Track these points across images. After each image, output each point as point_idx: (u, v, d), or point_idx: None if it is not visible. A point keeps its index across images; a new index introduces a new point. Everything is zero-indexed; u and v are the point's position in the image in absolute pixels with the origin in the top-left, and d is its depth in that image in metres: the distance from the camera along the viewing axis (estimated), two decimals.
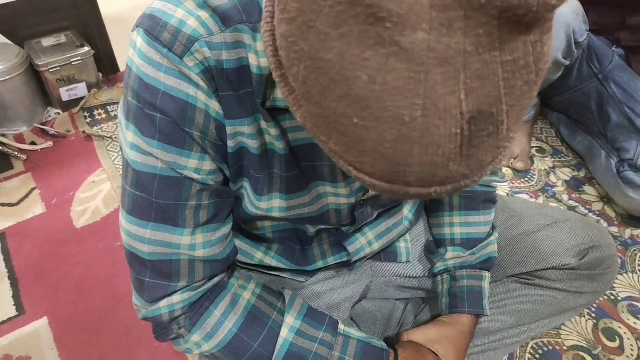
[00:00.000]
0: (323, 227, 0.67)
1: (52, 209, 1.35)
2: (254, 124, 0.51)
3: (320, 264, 0.71)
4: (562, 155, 1.49)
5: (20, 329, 1.06)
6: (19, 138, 1.58)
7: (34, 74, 1.63)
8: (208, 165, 0.51)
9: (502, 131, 0.32)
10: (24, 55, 1.58)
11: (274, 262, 0.70)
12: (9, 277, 1.17)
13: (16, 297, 1.13)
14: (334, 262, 0.72)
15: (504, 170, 1.44)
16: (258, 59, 0.47)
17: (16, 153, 1.50)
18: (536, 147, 1.52)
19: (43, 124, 1.63)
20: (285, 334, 0.58)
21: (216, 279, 0.58)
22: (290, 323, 0.59)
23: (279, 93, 0.49)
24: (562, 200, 1.34)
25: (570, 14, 1.13)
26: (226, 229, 0.58)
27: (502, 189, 1.37)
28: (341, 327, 0.62)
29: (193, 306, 0.57)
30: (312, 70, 0.32)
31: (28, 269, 1.19)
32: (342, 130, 0.32)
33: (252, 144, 0.52)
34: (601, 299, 1.09)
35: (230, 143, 0.51)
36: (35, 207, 1.35)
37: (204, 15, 0.46)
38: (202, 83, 0.46)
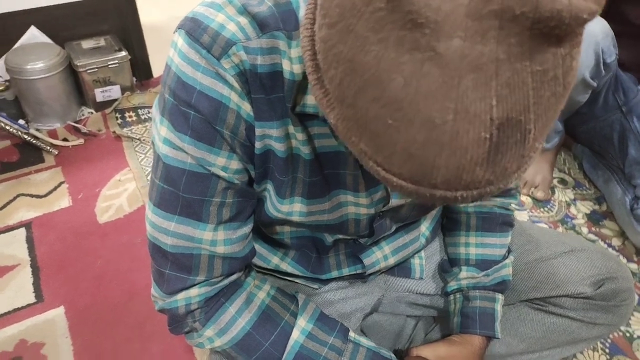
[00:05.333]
0: (341, 236, 0.68)
1: (78, 203, 1.39)
2: (282, 128, 0.53)
3: (334, 273, 0.72)
4: (584, 187, 1.48)
5: (37, 316, 1.09)
6: (52, 133, 1.64)
7: (72, 74, 1.69)
8: (235, 164, 0.53)
9: (529, 140, 0.33)
10: (64, 55, 1.64)
11: (289, 268, 0.71)
12: (31, 265, 1.20)
13: (36, 285, 1.16)
14: (348, 273, 0.73)
15: (524, 198, 1.43)
16: (291, 65, 0.49)
17: (48, 147, 1.56)
18: (558, 177, 1.51)
19: (76, 122, 1.69)
20: (296, 335, 0.59)
21: (233, 277, 0.60)
22: (302, 325, 0.60)
23: (308, 99, 0.51)
24: (582, 232, 1.33)
25: (600, 33, 1.13)
26: (247, 228, 0.59)
27: (520, 217, 1.36)
28: (351, 334, 0.63)
29: (209, 301, 0.58)
30: (348, 72, 0.33)
31: (50, 258, 1.22)
32: (374, 130, 0.34)
33: (279, 147, 0.53)
34: (616, 334, 1.07)
35: (257, 144, 0.53)
36: (62, 200, 1.39)
37: (243, 20, 0.48)
38: (236, 84, 0.49)
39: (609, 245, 1.29)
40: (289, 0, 0.49)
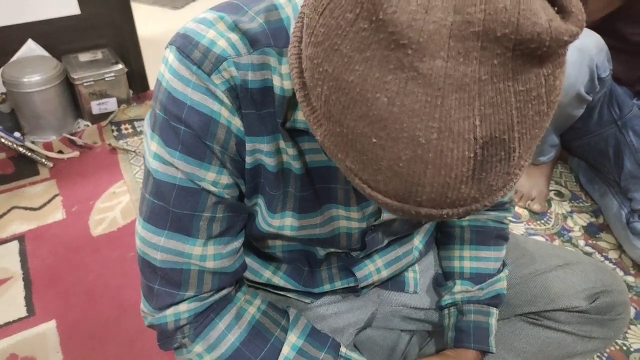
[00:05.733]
0: (333, 250, 0.68)
1: (71, 216, 1.38)
2: (273, 143, 0.52)
3: (327, 287, 0.72)
4: (581, 200, 1.48)
5: (28, 330, 1.08)
6: (48, 146, 1.64)
7: (69, 87, 1.69)
8: (225, 179, 0.53)
9: (514, 158, 0.34)
10: (61, 68, 1.65)
11: (281, 282, 0.71)
12: (23, 279, 1.19)
13: (28, 299, 1.15)
14: (341, 287, 0.72)
15: (520, 210, 1.43)
16: (282, 81, 0.49)
17: (43, 160, 1.56)
18: (554, 190, 1.51)
19: (72, 134, 1.69)
20: (286, 351, 0.59)
21: (223, 292, 0.59)
22: (292, 341, 0.60)
23: (299, 115, 0.51)
24: (578, 245, 1.33)
25: (593, 48, 1.14)
26: (237, 243, 0.59)
27: (517, 229, 1.36)
28: (343, 350, 0.62)
29: (198, 317, 0.58)
30: (334, 90, 0.34)
31: (42, 272, 1.21)
32: (360, 148, 0.34)
33: (270, 162, 0.53)
34: (612, 348, 1.06)
35: (248, 159, 0.53)
36: (55, 213, 1.39)
37: (234, 37, 0.48)
38: (226, 100, 0.49)
39: (606, 258, 1.29)
40: (280, 17, 0.49)
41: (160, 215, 0.54)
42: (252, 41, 0.48)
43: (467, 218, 0.79)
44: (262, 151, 0.52)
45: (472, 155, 0.31)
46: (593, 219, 1.41)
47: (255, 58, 0.48)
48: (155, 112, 0.52)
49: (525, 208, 1.43)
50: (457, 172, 0.32)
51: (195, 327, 0.58)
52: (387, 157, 0.33)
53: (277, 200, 0.57)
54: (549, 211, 1.43)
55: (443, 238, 0.82)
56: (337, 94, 0.33)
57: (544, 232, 1.37)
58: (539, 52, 0.29)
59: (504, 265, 0.78)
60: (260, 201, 0.57)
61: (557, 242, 1.33)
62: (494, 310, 0.75)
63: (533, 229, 1.38)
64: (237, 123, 0.50)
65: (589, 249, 1.31)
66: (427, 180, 0.33)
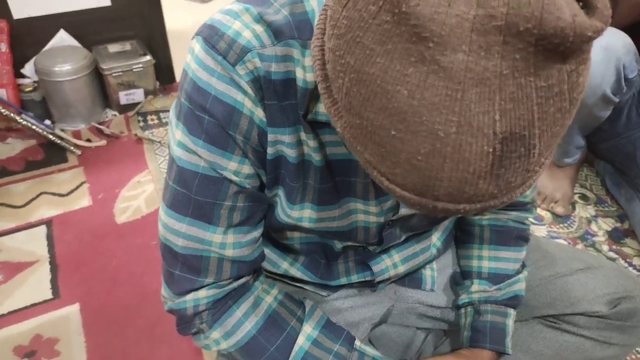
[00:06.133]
0: (350, 243, 0.68)
1: (97, 203, 1.42)
2: (294, 134, 0.53)
3: (343, 280, 0.72)
4: (606, 204, 1.45)
5: (52, 312, 1.11)
6: (76, 134, 1.68)
7: (98, 77, 1.73)
8: (247, 169, 0.54)
9: (534, 155, 0.33)
10: (91, 58, 1.69)
11: (298, 274, 0.72)
12: (50, 262, 1.23)
13: (53, 282, 1.18)
14: (357, 280, 0.73)
15: (543, 213, 1.41)
16: (304, 73, 0.50)
17: (72, 148, 1.60)
18: (579, 193, 1.48)
19: (100, 124, 1.73)
20: (301, 341, 0.59)
21: (242, 280, 0.60)
22: (307, 332, 0.60)
23: (321, 107, 0.51)
24: (602, 250, 1.30)
25: (621, 48, 1.11)
26: (257, 233, 0.60)
27: (538, 232, 1.34)
28: (357, 343, 0.63)
29: (217, 303, 0.59)
30: (355, 82, 0.34)
31: (68, 256, 1.25)
32: (379, 141, 0.34)
33: (291, 153, 0.54)
34: (633, 356, 1.04)
35: (270, 150, 0.53)
36: (82, 200, 1.42)
37: (259, 28, 0.49)
38: (250, 90, 0.49)
39: (630, 264, 1.26)
40: (305, 10, 0.50)
41: (183, 203, 0.55)
42: (277, 33, 0.49)
43: (487, 217, 0.78)
44: (283, 142, 0.53)
45: (491, 150, 0.31)
46: (618, 224, 1.38)
47: (279, 50, 0.49)
48: (181, 101, 0.53)
49: (549, 210, 1.41)
50: (476, 167, 0.32)
51: (214, 313, 0.59)
52: (405, 150, 0.33)
53: (297, 191, 0.57)
54: (572, 214, 1.41)
55: (462, 237, 0.81)
56: (357, 86, 0.34)
57: (566, 235, 1.34)
58: (561, 48, 0.29)
59: (523, 266, 0.77)
60: (280, 192, 0.58)
61: (579, 246, 1.31)
62: (512, 312, 0.74)
63: (555, 232, 1.35)
64: (259, 114, 0.51)
65: (612, 255, 1.29)
66: (445, 175, 0.33)
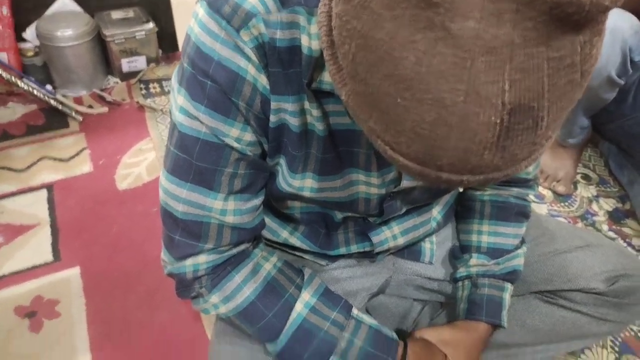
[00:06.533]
0: (350, 214, 0.68)
1: (98, 169, 1.42)
2: (298, 103, 0.52)
3: (343, 250, 0.73)
4: (608, 185, 1.44)
5: (53, 274, 1.13)
6: (78, 100, 1.67)
7: (100, 43, 1.71)
8: (249, 136, 0.53)
9: (541, 127, 0.33)
10: (93, 24, 1.66)
11: (298, 243, 0.72)
12: (51, 226, 1.24)
13: (54, 245, 1.19)
14: (356, 251, 0.73)
15: (544, 191, 1.41)
16: (310, 41, 0.49)
17: (73, 114, 1.59)
18: (582, 173, 1.47)
19: (102, 90, 1.72)
20: (299, 308, 0.60)
21: (242, 247, 0.61)
22: (305, 299, 0.61)
23: (325, 76, 0.50)
24: (602, 230, 1.30)
25: (628, 29, 1.09)
26: (257, 200, 0.60)
27: (539, 210, 1.34)
28: (355, 311, 0.63)
29: (216, 268, 0.59)
30: (361, 48, 0.33)
31: (69, 221, 1.26)
32: (384, 108, 0.34)
33: (293, 122, 0.53)
34: (627, 333, 1.05)
35: (272, 118, 0.53)
36: (83, 166, 1.42)
37: None
38: (253, 57, 0.48)
39: (629, 244, 1.27)
40: None
41: (184, 168, 0.55)
42: None
43: (488, 193, 0.78)
44: (286, 110, 0.52)
45: (498, 121, 0.31)
46: (619, 205, 1.38)
47: (284, 16, 0.48)
48: (183, 66, 0.52)
49: (550, 189, 1.41)
50: (481, 138, 0.31)
51: (213, 278, 0.59)
52: (410, 118, 0.32)
53: (299, 160, 0.57)
54: (574, 194, 1.41)
55: (463, 211, 0.81)
56: (364, 52, 0.33)
57: (567, 214, 1.35)
58: (576, 17, 0.28)
59: (522, 242, 0.77)
60: (282, 161, 0.58)
61: (579, 225, 1.31)
62: (509, 286, 0.75)
63: (556, 210, 1.35)
64: (263, 81, 0.50)
65: (612, 234, 1.29)
66: (450, 144, 0.32)
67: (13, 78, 1.50)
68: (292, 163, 0.57)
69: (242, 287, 0.59)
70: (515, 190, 0.77)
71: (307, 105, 0.53)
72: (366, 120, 0.36)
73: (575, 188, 1.43)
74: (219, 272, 0.59)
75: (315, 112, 0.53)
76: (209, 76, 0.49)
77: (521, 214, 0.77)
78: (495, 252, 0.75)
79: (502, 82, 0.30)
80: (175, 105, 0.54)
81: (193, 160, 0.54)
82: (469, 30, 0.29)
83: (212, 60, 0.49)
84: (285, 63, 0.50)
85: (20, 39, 1.66)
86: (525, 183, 0.77)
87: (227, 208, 0.56)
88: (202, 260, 0.58)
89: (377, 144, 0.37)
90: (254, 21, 0.47)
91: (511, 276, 0.75)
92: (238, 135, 0.53)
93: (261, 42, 0.48)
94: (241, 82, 0.50)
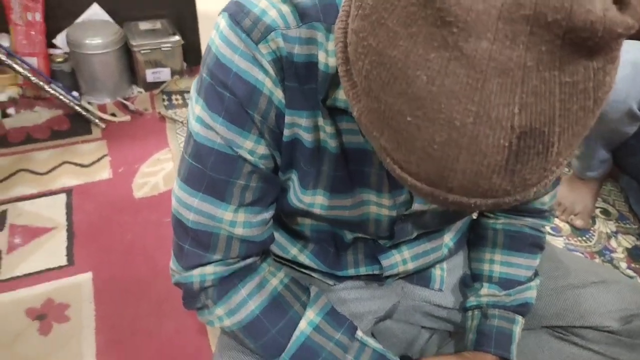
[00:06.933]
0: (361, 235, 0.68)
1: (117, 176, 1.44)
2: (312, 119, 0.53)
3: (351, 271, 0.72)
4: (628, 222, 1.41)
5: (66, 278, 1.14)
6: (102, 108, 1.71)
7: (127, 53, 1.76)
8: (262, 149, 0.54)
9: (552, 153, 0.32)
10: (121, 34, 1.71)
11: (307, 261, 0.72)
12: (67, 230, 1.26)
13: (69, 249, 1.21)
14: (365, 273, 0.72)
15: (562, 224, 1.38)
16: (327, 57, 0.49)
17: (97, 120, 1.62)
18: (601, 208, 1.45)
19: (125, 99, 1.76)
20: (303, 326, 0.59)
21: (249, 260, 0.60)
22: (310, 317, 0.60)
23: (340, 94, 0.51)
24: (620, 267, 1.27)
25: None
26: (267, 214, 0.60)
27: (555, 243, 1.31)
28: (359, 333, 0.62)
29: (223, 280, 0.59)
30: (376, 65, 0.33)
31: (85, 226, 1.27)
32: (395, 126, 0.34)
33: (307, 137, 0.54)
34: None
35: (286, 132, 0.53)
36: (103, 172, 1.45)
37: (285, 9, 0.49)
38: (271, 70, 0.49)
39: None
40: None
41: (197, 178, 0.55)
42: (302, 14, 0.48)
43: (501, 221, 0.77)
44: (300, 126, 0.53)
45: (507, 144, 0.30)
46: (639, 242, 1.34)
47: (303, 32, 0.49)
48: (202, 76, 0.53)
49: (567, 222, 1.38)
50: (491, 161, 0.31)
51: (219, 290, 0.59)
52: (421, 137, 0.32)
53: (310, 176, 0.57)
54: (592, 229, 1.38)
55: (475, 239, 0.80)
56: (378, 69, 0.33)
57: (584, 249, 1.32)
58: (590, 43, 0.28)
59: (535, 274, 0.76)
60: (294, 176, 0.58)
61: (597, 261, 1.28)
62: (520, 319, 0.73)
63: (573, 244, 1.33)
64: (278, 95, 0.51)
65: (630, 272, 1.25)
66: (460, 166, 0.32)
67: (41, 83, 1.55)
68: (304, 179, 0.57)
69: (248, 301, 0.59)
70: (530, 221, 0.76)
71: (321, 121, 0.53)
72: (377, 137, 0.36)
73: (594, 223, 1.40)
74: (226, 285, 0.59)
75: (329, 129, 0.54)
76: (227, 88, 0.50)
77: (535, 245, 0.76)
78: (506, 283, 0.74)
79: (513, 104, 0.30)
80: (193, 115, 0.54)
81: (206, 170, 0.54)
82: (482, 51, 0.29)
83: (230, 72, 0.50)
84: (301, 78, 0.50)
85: (50, 45, 1.72)
86: (541, 214, 0.76)
87: (236, 220, 0.57)
88: (210, 271, 0.58)
89: (387, 162, 0.37)
90: (272, 35, 0.48)
91: (522, 309, 0.73)
92: (252, 148, 0.53)
93: (279, 56, 0.49)
94: (257, 95, 0.50)
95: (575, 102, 0.30)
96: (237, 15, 0.49)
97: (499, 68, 0.29)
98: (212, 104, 0.52)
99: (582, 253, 1.30)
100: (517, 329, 0.72)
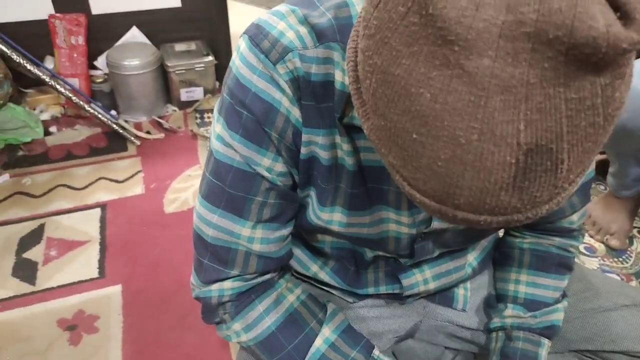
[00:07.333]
0: (381, 253, 0.67)
1: (149, 192, 1.48)
2: (329, 137, 0.53)
3: (371, 289, 0.72)
4: None
5: (97, 290, 1.18)
6: (138, 126, 1.77)
7: (162, 73, 1.82)
8: (280, 166, 0.55)
9: (561, 170, 0.32)
10: (158, 55, 1.78)
11: (327, 278, 0.72)
12: (100, 243, 1.30)
13: (101, 262, 1.25)
14: (385, 292, 0.72)
15: (597, 244, 1.33)
16: (343, 77, 0.50)
17: (132, 138, 1.68)
18: (638, 228, 1.39)
19: (160, 118, 1.81)
20: (319, 343, 0.59)
21: (267, 276, 0.61)
22: (326, 335, 0.60)
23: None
24: None
25: None
26: (285, 231, 0.61)
27: (590, 264, 1.27)
28: (376, 352, 0.62)
29: (240, 296, 0.60)
30: (381, 83, 0.34)
31: (117, 239, 1.31)
32: (401, 144, 0.34)
33: (324, 155, 0.54)
34: None
35: (303, 150, 0.54)
36: (136, 187, 1.50)
37: (303, 30, 0.50)
38: (288, 90, 0.50)
39: None
40: (350, 14, 0.50)
41: (217, 194, 0.57)
42: (320, 35, 0.50)
43: (528, 241, 0.75)
44: (317, 143, 0.54)
45: (513, 161, 0.30)
46: None
47: (320, 52, 0.50)
48: (223, 96, 0.55)
49: (603, 242, 1.33)
50: (497, 178, 0.31)
51: (237, 305, 0.60)
52: (426, 154, 0.32)
53: (328, 194, 0.57)
54: (629, 249, 1.32)
55: (501, 258, 0.78)
56: (383, 87, 0.34)
57: (620, 270, 1.26)
58: (594, 59, 0.27)
59: (564, 296, 0.73)
60: (312, 193, 0.58)
61: (633, 284, 1.22)
62: (546, 342, 0.70)
63: (608, 265, 1.27)
64: (295, 113, 0.52)
65: None
66: (466, 183, 0.32)
67: (82, 102, 1.62)
68: (322, 196, 0.58)
69: (264, 317, 0.60)
70: (557, 240, 0.74)
71: (338, 139, 0.54)
72: (386, 155, 0.37)
73: (631, 243, 1.34)
74: (243, 300, 0.60)
75: (346, 147, 0.54)
76: (245, 106, 0.52)
77: (563, 265, 0.74)
78: (532, 304, 0.72)
79: (517, 121, 0.29)
80: (214, 133, 0.56)
81: (226, 187, 0.56)
82: (484, 68, 0.29)
83: (248, 91, 0.51)
84: (318, 97, 0.51)
85: (92, 66, 1.80)
86: (569, 233, 0.74)
87: (254, 236, 0.58)
88: (228, 287, 0.59)
89: (397, 179, 0.37)
90: (290, 56, 0.49)
91: (549, 331, 0.71)
92: (269, 165, 0.54)
93: (296, 75, 0.50)
94: (275, 114, 0.51)
95: (583, 118, 0.30)
96: (256, 37, 0.50)
97: (502, 85, 0.29)
98: (232, 122, 0.53)
99: (618, 275, 1.25)
100: (543, 352, 0.70)
